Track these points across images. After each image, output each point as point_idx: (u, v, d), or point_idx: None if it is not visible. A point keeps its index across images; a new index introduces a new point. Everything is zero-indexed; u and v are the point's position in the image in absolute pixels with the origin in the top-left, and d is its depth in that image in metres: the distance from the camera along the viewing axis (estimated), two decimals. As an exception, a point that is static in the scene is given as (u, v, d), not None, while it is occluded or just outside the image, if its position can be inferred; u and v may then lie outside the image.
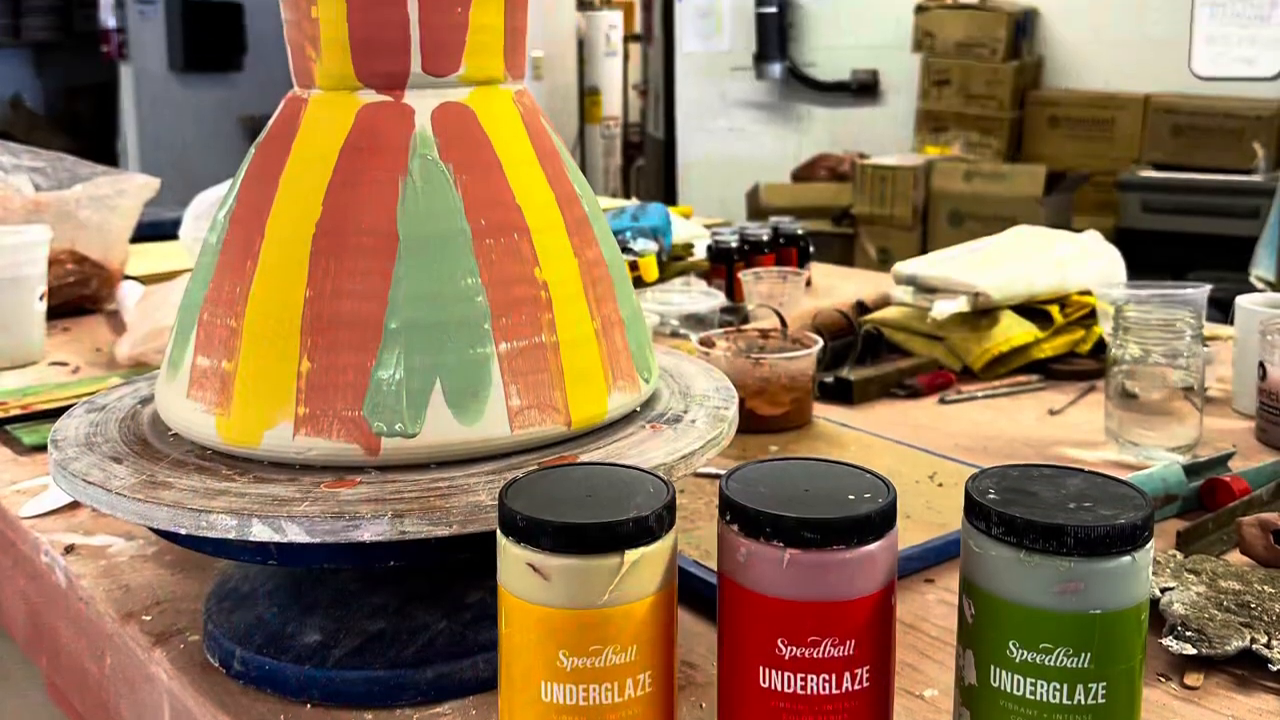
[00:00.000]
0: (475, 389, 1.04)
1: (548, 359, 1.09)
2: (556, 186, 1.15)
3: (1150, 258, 5.06)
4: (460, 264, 1.06)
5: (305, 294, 1.04)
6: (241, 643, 1.08)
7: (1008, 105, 6.55)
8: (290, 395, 1.04)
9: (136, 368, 2.09)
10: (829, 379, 1.96)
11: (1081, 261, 2.27)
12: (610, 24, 10.50)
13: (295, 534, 0.94)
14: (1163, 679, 1.06)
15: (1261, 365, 1.70)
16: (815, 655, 0.80)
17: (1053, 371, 2.08)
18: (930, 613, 1.18)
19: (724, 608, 0.85)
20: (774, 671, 0.81)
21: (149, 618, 1.20)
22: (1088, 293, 2.19)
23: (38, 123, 11.00)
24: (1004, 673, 0.80)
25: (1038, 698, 0.79)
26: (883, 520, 0.81)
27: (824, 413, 1.85)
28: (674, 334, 2.30)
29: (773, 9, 7.57)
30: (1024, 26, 6.69)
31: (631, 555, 0.80)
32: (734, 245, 2.66)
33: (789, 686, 0.81)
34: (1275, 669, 1.04)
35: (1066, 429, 1.79)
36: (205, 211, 2.68)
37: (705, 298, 2.42)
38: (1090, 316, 2.17)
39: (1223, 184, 5.56)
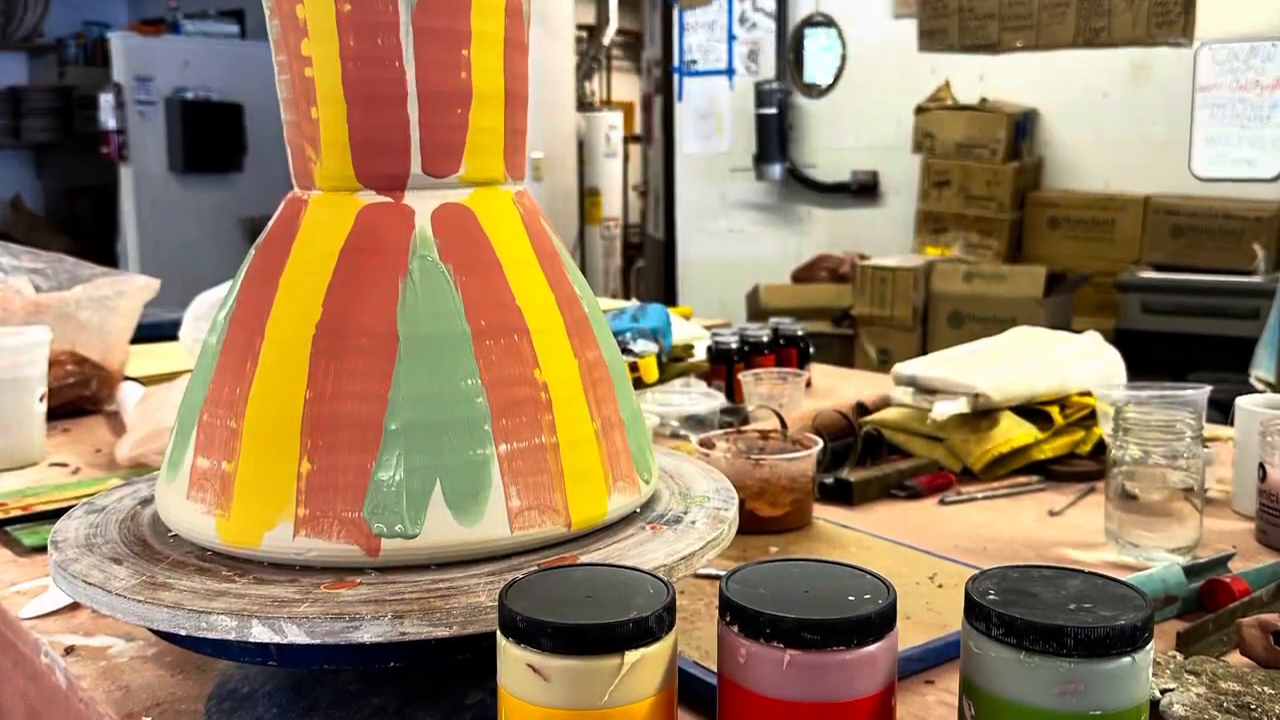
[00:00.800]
0: (475, 490, 1.04)
1: (548, 460, 1.09)
2: (557, 287, 1.16)
3: (1150, 358, 5.07)
4: (460, 365, 1.06)
5: (305, 395, 1.05)
6: (241, 744, 1.08)
7: (1008, 206, 6.57)
8: (290, 496, 1.04)
9: (136, 469, 2.09)
10: (829, 480, 1.95)
11: (1081, 362, 2.27)
12: (610, 125, 10.54)
13: (295, 635, 0.94)
14: (1165, 781, 1.05)
15: (1261, 466, 1.70)
16: (816, 757, 0.80)
17: (1053, 472, 2.08)
18: (930, 714, 1.18)
19: (724, 709, 0.85)
20: (775, 773, 0.81)
21: (149, 719, 1.19)
22: (1088, 394, 2.19)
23: (38, 224, 11.03)
24: (1005, 774, 0.80)
25: (1039, 799, 0.79)
26: (883, 621, 0.81)
27: (824, 514, 1.85)
28: (674, 435, 2.30)
29: (773, 110, 7.61)
30: (1024, 127, 6.73)
31: (632, 656, 0.80)
32: (734, 346, 2.66)
33: (790, 788, 0.80)
34: (1277, 771, 1.04)
35: (1066, 530, 1.79)
36: (205, 313, 2.68)
37: (705, 399, 2.42)
38: (1090, 418, 2.17)
39: (1223, 285, 5.57)
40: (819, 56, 7.66)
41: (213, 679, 1.24)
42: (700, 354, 2.82)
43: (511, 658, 0.82)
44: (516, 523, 1.06)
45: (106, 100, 9.38)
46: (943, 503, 1.94)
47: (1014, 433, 2.08)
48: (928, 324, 6.18)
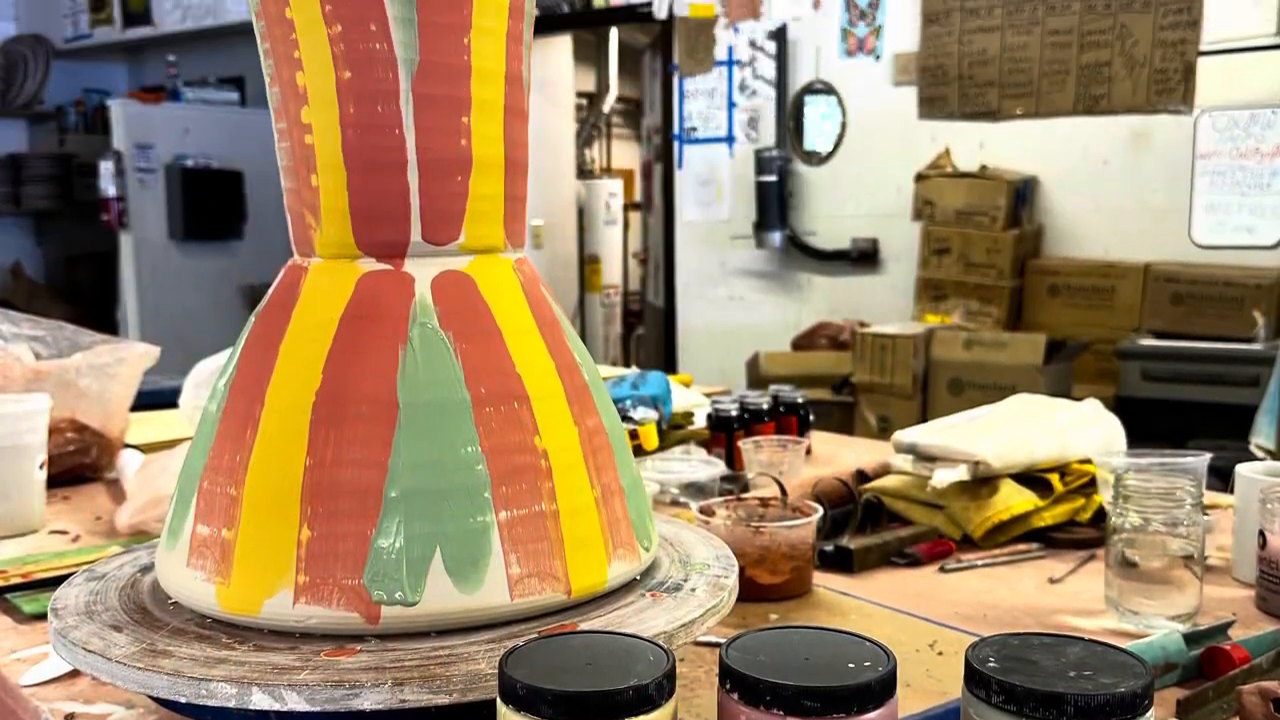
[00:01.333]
0: (475, 557, 1.04)
1: (548, 527, 1.09)
2: (556, 355, 1.16)
3: (1150, 426, 5.07)
4: (460, 432, 1.06)
5: (305, 462, 1.05)
6: (239, 812, 1.08)
7: (1008, 273, 6.58)
8: (290, 563, 1.04)
9: (136, 536, 2.09)
10: (829, 547, 1.95)
11: (1081, 430, 2.27)
12: (610, 192, 10.58)
13: (295, 702, 0.94)
14: None
15: (1261, 533, 1.70)
16: (816, 825, 0.80)
17: (1053, 540, 2.07)
18: (932, 782, 1.18)
19: (724, 777, 0.85)
20: (775, 842, 0.80)
21: (147, 787, 1.19)
22: (1088, 461, 2.19)
23: (38, 291, 11.04)
24: (1006, 842, 0.80)
25: None
26: (883, 688, 0.81)
27: (824, 581, 1.85)
28: (674, 502, 2.30)
29: (773, 178, 7.62)
30: (1023, 195, 6.74)
31: (631, 724, 0.80)
32: (734, 414, 2.66)
33: None
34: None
35: (1067, 597, 1.79)
36: (205, 380, 2.68)
37: (705, 466, 2.42)
38: (1090, 485, 2.17)
39: (1223, 352, 5.57)
40: (819, 124, 7.68)
41: (212, 747, 1.24)
42: (700, 421, 2.82)
43: (511, 725, 0.81)
44: (517, 590, 1.06)
45: (106, 167, 9.40)
46: (943, 570, 1.94)
47: (1014, 500, 2.08)
48: (928, 391, 6.18)
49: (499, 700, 0.83)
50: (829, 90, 7.56)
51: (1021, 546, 2.05)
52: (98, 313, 10.28)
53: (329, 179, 1.11)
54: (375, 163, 1.10)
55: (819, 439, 3.04)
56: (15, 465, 2.17)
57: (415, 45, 1.09)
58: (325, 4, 1.08)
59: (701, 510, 1.85)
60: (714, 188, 8.11)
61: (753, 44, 7.78)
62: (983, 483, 2.11)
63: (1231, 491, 1.93)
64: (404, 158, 1.09)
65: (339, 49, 1.09)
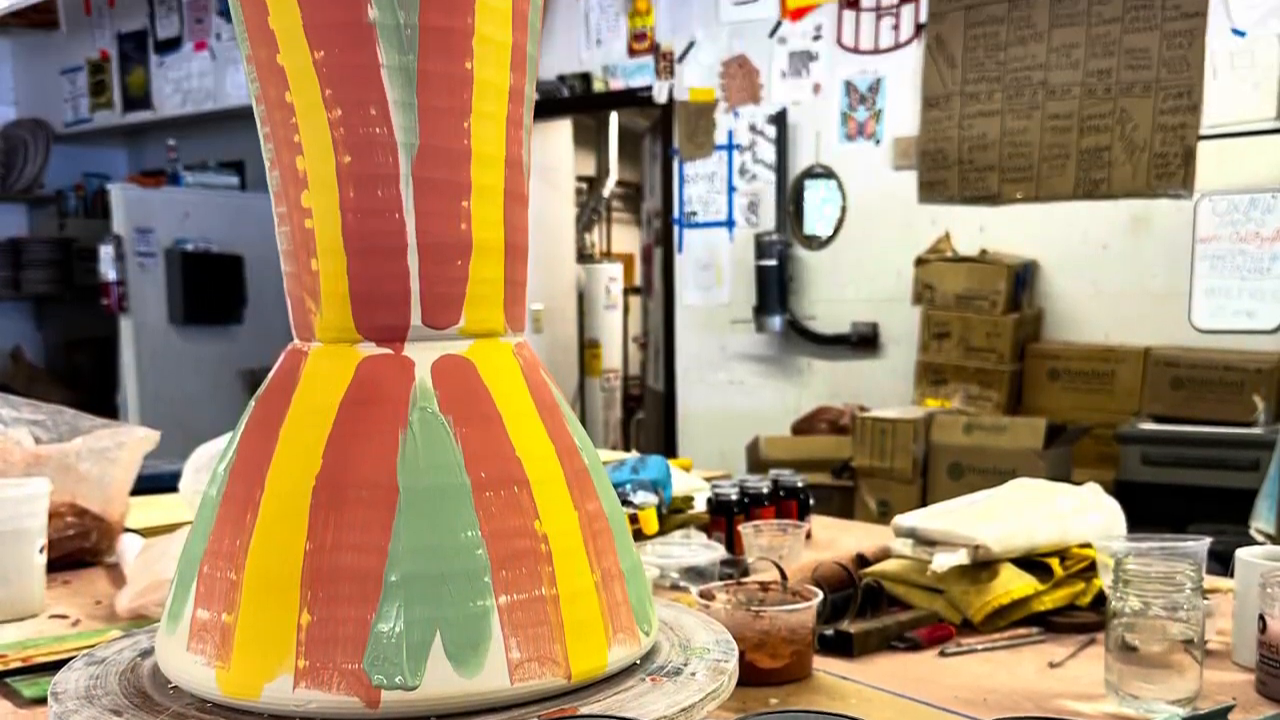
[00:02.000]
0: (475, 642, 1.04)
1: (548, 612, 1.09)
2: (557, 439, 1.16)
3: (1150, 510, 5.06)
4: (460, 516, 1.06)
5: (305, 546, 1.05)
6: None
7: (1008, 358, 6.58)
8: (290, 648, 1.04)
9: (137, 620, 2.09)
10: (829, 632, 1.95)
11: (1081, 514, 2.27)
12: (610, 276, 10.60)
13: (294, 787, 0.94)
14: None
15: (1261, 618, 1.70)
16: None
17: (1053, 624, 2.07)
18: None
19: None
20: None
21: None
22: (1088, 545, 2.19)
23: (38, 375, 11.05)
24: None
25: None
26: (883, 773, 0.81)
27: (824, 666, 1.84)
28: (674, 586, 2.30)
29: (773, 262, 7.63)
30: (1024, 278, 6.75)
31: (631, 808, 0.80)
32: (734, 498, 2.66)
33: None
34: None
35: (1067, 682, 1.78)
36: (205, 464, 2.68)
37: (705, 550, 2.42)
38: (1090, 569, 2.17)
39: (1223, 436, 5.57)
40: (819, 208, 7.69)
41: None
42: (700, 506, 2.82)
43: (511, 810, 0.81)
44: (517, 674, 1.05)
45: (106, 252, 9.43)
46: (943, 654, 1.94)
47: (1014, 584, 2.08)
48: (928, 475, 6.17)
49: (499, 785, 0.83)
50: (829, 174, 7.58)
51: (1022, 631, 2.04)
52: (98, 397, 10.29)
53: (329, 263, 1.11)
54: (375, 247, 1.10)
55: (819, 523, 3.03)
56: (15, 549, 2.16)
57: (415, 129, 1.09)
58: (325, 88, 1.09)
59: (701, 594, 1.85)
60: (714, 272, 8.12)
61: (753, 128, 7.81)
62: (983, 567, 2.11)
63: (1232, 576, 1.93)
64: (404, 242, 1.10)
65: (339, 133, 1.09)
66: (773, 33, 7.67)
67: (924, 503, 5.33)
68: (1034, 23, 6.68)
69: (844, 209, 7.59)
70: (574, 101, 8.57)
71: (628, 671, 1.17)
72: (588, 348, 10.49)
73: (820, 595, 1.83)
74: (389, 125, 1.09)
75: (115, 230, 9.47)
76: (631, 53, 8.21)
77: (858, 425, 6.41)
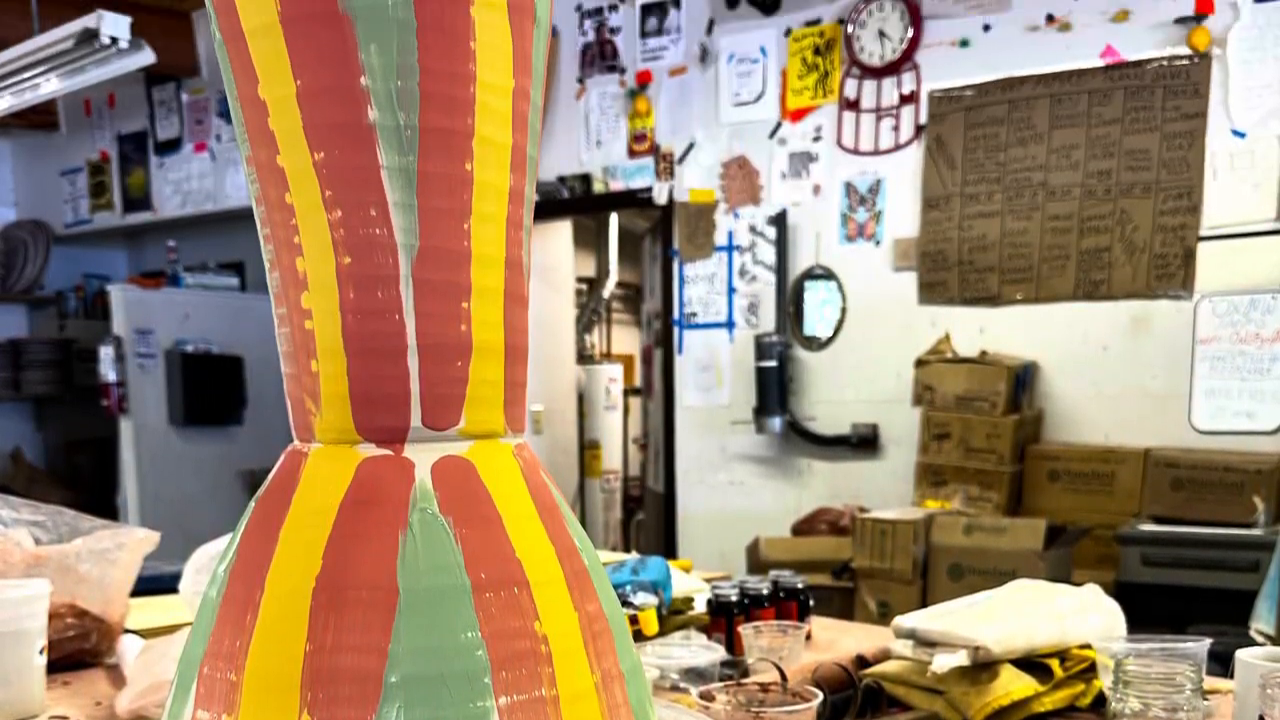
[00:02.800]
0: (475, 743, 1.04)
1: (548, 713, 1.08)
2: (557, 540, 1.16)
3: (1150, 611, 5.05)
4: (460, 617, 1.06)
5: (305, 647, 1.05)
6: None
7: (1008, 459, 6.58)
8: (290, 749, 1.03)
9: (135, 722, 2.08)
10: (830, 733, 1.94)
11: (1081, 615, 2.27)
12: (610, 378, 10.63)
13: None
14: None
15: (1262, 718, 1.70)
16: None
17: (1054, 725, 2.07)
18: None
19: None
20: None
21: None
22: (1088, 646, 2.19)
23: (38, 476, 11.06)
24: None
25: None
26: None
27: (825, 767, 1.84)
28: (674, 688, 2.29)
29: (773, 363, 7.65)
30: (1024, 380, 6.76)
31: None
32: (734, 599, 2.66)
33: None
34: None
35: (1069, 784, 1.78)
36: (205, 565, 2.68)
37: (705, 651, 2.42)
38: (1090, 670, 2.17)
39: (1223, 538, 5.56)
40: (819, 309, 7.72)
41: None
42: (700, 607, 2.81)
43: None
44: (516, 775, 1.05)
45: (106, 353, 9.45)
46: (944, 756, 1.93)
47: (1014, 685, 2.08)
48: (928, 577, 6.16)
49: None
50: (829, 275, 7.61)
51: (1023, 732, 2.04)
52: (98, 498, 10.30)
53: (329, 364, 1.11)
54: (375, 348, 1.10)
55: (819, 624, 3.03)
56: (15, 651, 2.16)
57: (415, 230, 1.10)
58: (325, 189, 1.09)
59: (702, 695, 1.84)
60: (714, 373, 8.14)
61: (753, 229, 7.85)
62: (983, 668, 2.10)
63: (1232, 677, 1.93)
64: (404, 343, 1.10)
65: (339, 234, 1.09)
66: (773, 134, 7.72)
67: (924, 604, 5.33)
68: (1034, 124, 6.73)
69: (844, 310, 7.61)
70: (574, 202, 8.61)
71: (628, 773, 1.17)
72: (588, 449, 10.49)
73: (820, 696, 1.83)
74: (389, 226, 1.10)
75: (115, 331, 9.49)
76: (631, 154, 8.26)
77: (858, 526, 6.41)
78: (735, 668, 2.42)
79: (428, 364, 1.12)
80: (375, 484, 1.10)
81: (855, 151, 7.45)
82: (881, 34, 7.27)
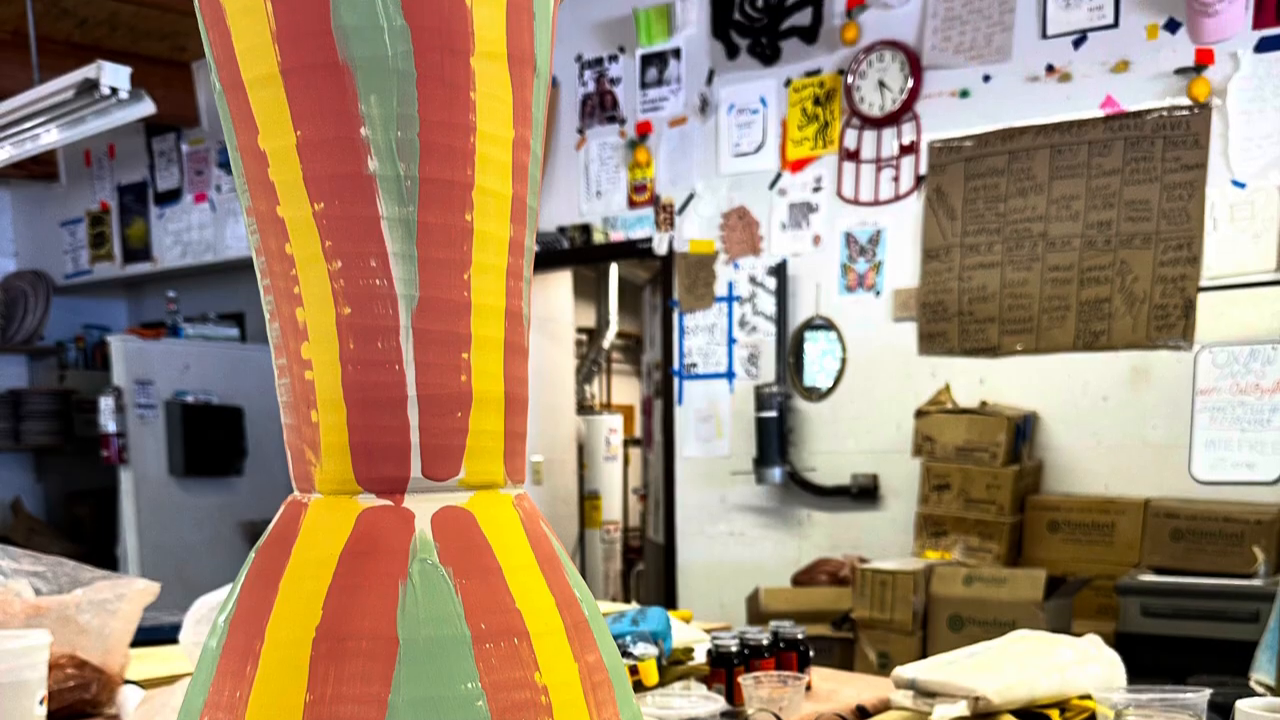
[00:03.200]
0: (475, 793, 1.04)
1: (548, 762, 1.08)
2: (557, 591, 1.16)
3: (1150, 662, 5.04)
4: (460, 668, 1.06)
5: (306, 698, 1.05)
6: None
7: (1008, 510, 6.57)
8: (289, 800, 1.03)
9: (133, 773, 2.08)
10: (830, 784, 1.94)
11: (1081, 666, 2.27)
12: (610, 428, 10.62)
13: None
14: None
15: (1264, 770, 1.69)
16: None
17: (1055, 777, 2.07)
18: None
19: None
20: None
21: None
22: (1088, 697, 2.19)
23: (38, 527, 11.05)
24: None
25: None
26: None
27: (825, 819, 1.84)
28: (674, 738, 2.29)
29: (773, 414, 7.65)
30: (1024, 431, 6.76)
31: None
32: (734, 649, 2.66)
33: None
34: None
35: (1070, 836, 1.78)
36: (205, 616, 2.68)
37: (705, 702, 2.41)
38: (1091, 720, 2.17)
39: (1223, 588, 5.56)
40: (819, 360, 7.72)
41: None
42: (700, 657, 2.81)
43: None
44: (515, 826, 1.05)
45: (106, 404, 9.45)
46: (945, 808, 1.93)
47: (1015, 736, 2.08)
48: (928, 627, 6.15)
49: None
50: (829, 326, 7.62)
51: (1023, 784, 2.04)
52: (98, 549, 10.29)
53: (329, 415, 1.11)
54: (375, 399, 1.10)
55: (819, 675, 3.03)
56: (15, 701, 2.16)
57: (415, 281, 1.10)
58: (325, 240, 1.10)
59: (701, 747, 1.84)
60: (714, 424, 8.14)
61: (753, 280, 7.86)
62: (983, 718, 2.10)
63: (1233, 728, 1.93)
64: (404, 394, 1.10)
65: (339, 284, 1.10)
66: (773, 184, 7.73)
67: (924, 654, 5.32)
68: (1034, 175, 6.74)
69: (844, 361, 7.62)
70: (574, 253, 8.62)
71: (627, 825, 1.17)
72: (588, 499, 10.48)
73: (820, 748, 1.83)
74: (389, 277, 1.10)
75: (115, 382, 9.49)
76: (631, 204, 8.27)
77: (858, 577, 6.40)
78: (735, 718, 2.42)
79: (428, 415, 1.12)
80: (375, 535, 1.10)
81: (855, 202, 7.47)
82: (881, 84, 7.29)
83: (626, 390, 13.24)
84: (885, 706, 2.27)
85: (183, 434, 9.65)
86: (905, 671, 2.23)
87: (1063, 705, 2.18)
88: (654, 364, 9.10)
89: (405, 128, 1.06)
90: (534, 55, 1.14)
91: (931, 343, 7.13)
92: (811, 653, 2.84)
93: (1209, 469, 6.15)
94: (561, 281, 10.21)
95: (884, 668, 5.79)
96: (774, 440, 7.70)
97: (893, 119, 7.28)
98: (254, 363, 10.09)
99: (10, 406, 11.03)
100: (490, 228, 1.14)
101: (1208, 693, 1.94)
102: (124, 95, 5.61)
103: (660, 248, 8.15)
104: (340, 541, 1.10)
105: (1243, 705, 1.88)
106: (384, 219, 1.09)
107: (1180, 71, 6.30)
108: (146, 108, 5.82)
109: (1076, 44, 6.60)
